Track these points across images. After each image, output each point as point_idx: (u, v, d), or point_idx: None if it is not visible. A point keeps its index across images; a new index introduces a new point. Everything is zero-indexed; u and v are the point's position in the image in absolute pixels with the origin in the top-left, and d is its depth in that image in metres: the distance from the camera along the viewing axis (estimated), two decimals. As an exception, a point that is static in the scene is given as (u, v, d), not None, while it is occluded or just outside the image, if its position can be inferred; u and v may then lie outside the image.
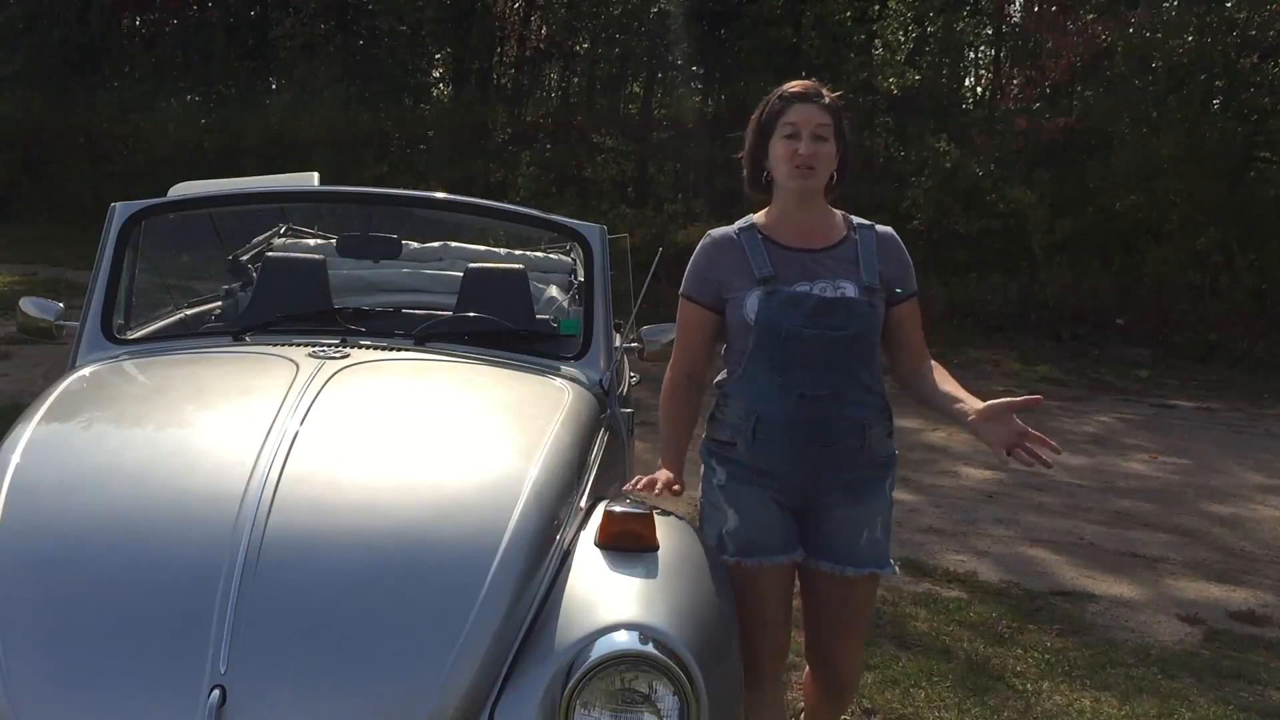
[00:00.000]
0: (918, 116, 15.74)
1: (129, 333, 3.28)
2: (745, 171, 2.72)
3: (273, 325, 3.18)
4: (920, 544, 5.60)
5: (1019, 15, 17.49)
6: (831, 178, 2.63)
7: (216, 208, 4.09)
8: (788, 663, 2.99)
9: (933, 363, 2.71)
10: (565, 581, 2.12)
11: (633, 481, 2.58)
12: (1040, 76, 15.95)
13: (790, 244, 2.62)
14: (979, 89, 18.96)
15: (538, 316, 3.79)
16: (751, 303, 2.58)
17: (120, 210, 3.29)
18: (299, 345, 2.89)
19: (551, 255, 5.18)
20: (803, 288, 2.56)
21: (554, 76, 20.87)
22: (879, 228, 2.69)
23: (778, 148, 2.59)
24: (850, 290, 2.57)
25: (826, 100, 2.59)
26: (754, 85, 15.65)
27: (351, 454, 2.27)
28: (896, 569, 2.76)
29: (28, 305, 3.40)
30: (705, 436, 2.73)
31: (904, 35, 17.81)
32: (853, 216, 2.70)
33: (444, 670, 1.88)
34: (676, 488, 2.59)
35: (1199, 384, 11.88)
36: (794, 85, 2.62)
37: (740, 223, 2.69)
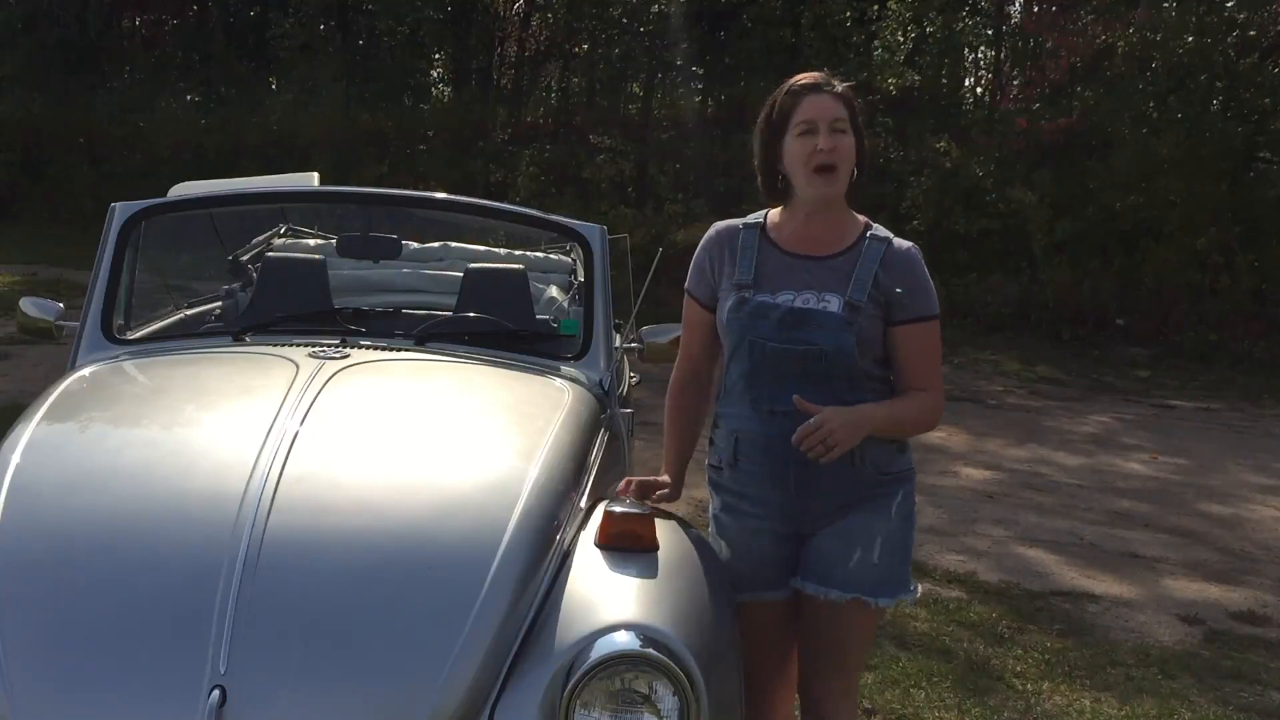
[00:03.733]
0: (917, 117, 15.74)
1: (129, 333, 3.27)
2: (760, 178, 2.49)
3: (273, 325, 3.18)
4: (920, 544, 5.59)
5: (1019, 15, 17.49)
6: (852, 174, 2.41)
7: (216, 208, 4.09)
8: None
9: (921, 394, 2.41)
10: (565, 581, 2.12)
11: (623, 483, 2.58)
12: (1040, 76, 15.95)
13: (791, 248, 2.44)
14: (979, 89, 18.97)
15: (538, 317, 3.79)
16: (724, 310, 2.45)
17: (120, 210, 3.28)
18: (299, 345, 2.89)
19: (551, 255, 5.17)
20: (784, 297, 2.38)
21: (554, 77, 20.86)
22: (897, 241, 2.44)
23: (793, 147, 2.37)
24: (834, 304, 2.36)
25: (839, 89, 2.40)
26: (754, 85, 15.65)
27: (351, 454, 2.27)
28: (899, 602, 2.47)
29: (28, 305, 3.40)
30: (707, 461, 2.58)
31: (903, 35, 17.81)
32: (875, 226, 2.48)
33: (444, 670, 1.88)
34: (664, 491, 2.54)
35: (1199, 384, 11.87)
36: (803, 77, 2.42)
37: (753, 216, 2.52)
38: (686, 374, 2.62)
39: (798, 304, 2.37)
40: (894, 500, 2.44)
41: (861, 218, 2.49)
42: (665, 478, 2.60)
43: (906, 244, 2.45)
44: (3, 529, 2.05)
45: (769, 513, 2.44)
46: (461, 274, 3.81)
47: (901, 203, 14.64)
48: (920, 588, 2.56)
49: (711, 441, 2.56)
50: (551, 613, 2.04)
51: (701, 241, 2.55)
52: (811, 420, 2.28)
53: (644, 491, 2.55)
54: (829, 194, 2.38)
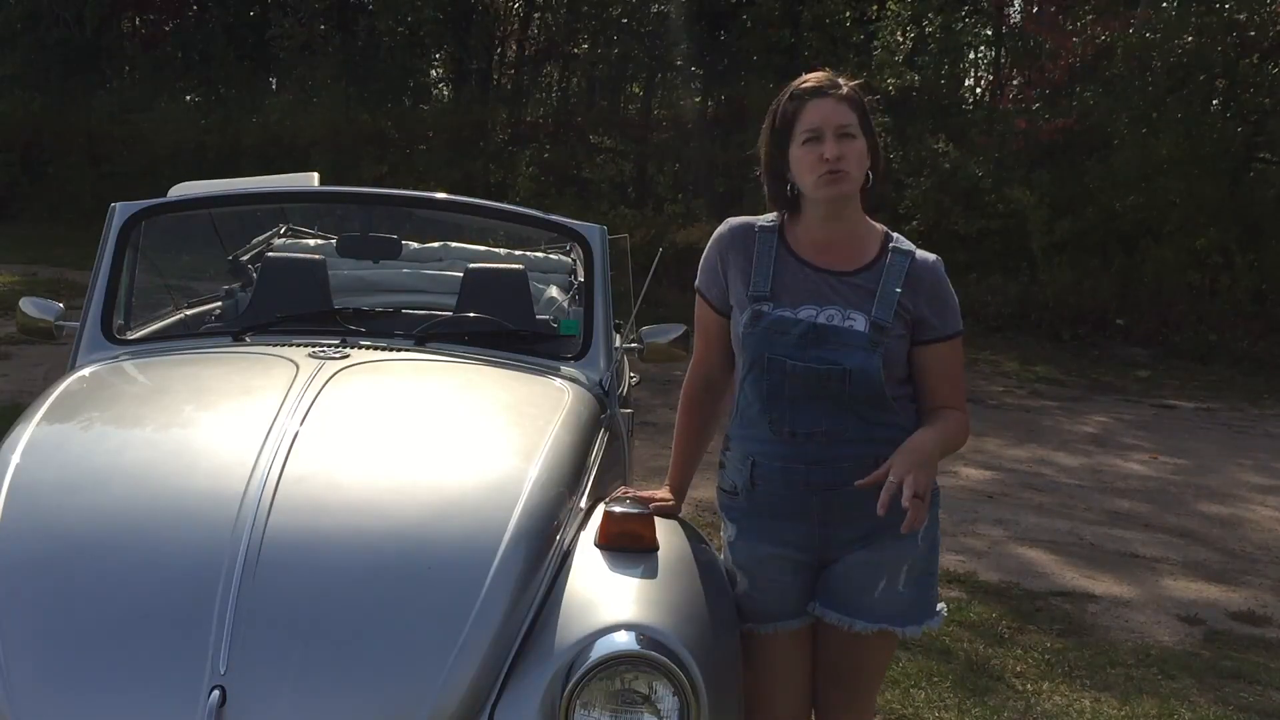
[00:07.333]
0: (917, 117, 15.73)
1: (129, 333, 3.27)
2: (766, 187, 2.36)
3: (273, 325, 3.18)
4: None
5: (1018, 15, 17.49)
6: (867, 178, 2.28)
7: (216, 208, 4.09)
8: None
9: (955, 412, 2.32)
10: (565, 582, 2.12)
11: (619, 491, 2.55)
12: (1040, 76, 15.94)
13: (811, 259, 2.30)
14: (978, 89, 18.96)
15: (538, 317, 3.79)
16: (738, 323, 2.32)
17: (120, 210, 3.28)
18: (299, 345, 2.89)
19: (551, 255, 5.17)
20: (807, 312, 2.25)
21: (554, 77, 20.88)
22: (920, 254, 2.33)
23: (800, 156, 2.24)
24: (859, 323, 2.24)
25: (845, 91, 2.26)
26: (753, 85, 15.66)
27: (351, 454, 2.27)
28: (927, 629, 2.41)
29: (28, 305, 3.39)
30: (717, 485, 2.45)
31: (902, 35, 17.81)
32: (896, 236, 2.37)
33: (444, 670, 1.88)
34: (667, 506, 2.46)
35: (1199, 384, 11.87)
36: (806, 80, 2.29)
37: (768, 217, 2.37)
38: (699, 382, 2.49)
39: (820, 320, 2.25)
40: (921, 526, 2.29)
41: (880, 227, 2.38)
42: (665, 492, 2.52)
43: (931, 257, 2.34)
44: (3, 529, 2.05)
45: (789, 541, 2.33)
46: (461, 274, 3.81)
47: (900, 203, 14.63)
48: (945, 608, 2.51)
49: (722, 465, 2.42)
50: (551, 613, 2.04)
51: (712, 238, 2.42)
52: (887, 484, 2.12)
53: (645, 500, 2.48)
54: (839, 194, 2.25)
